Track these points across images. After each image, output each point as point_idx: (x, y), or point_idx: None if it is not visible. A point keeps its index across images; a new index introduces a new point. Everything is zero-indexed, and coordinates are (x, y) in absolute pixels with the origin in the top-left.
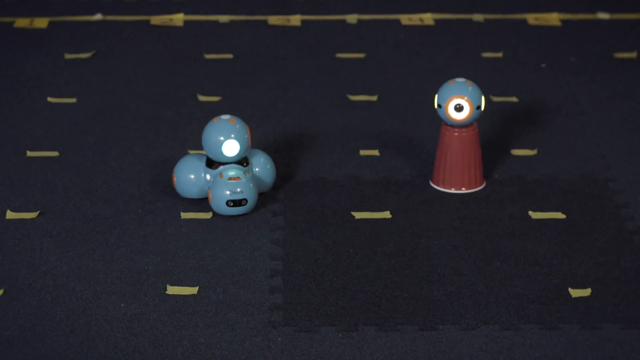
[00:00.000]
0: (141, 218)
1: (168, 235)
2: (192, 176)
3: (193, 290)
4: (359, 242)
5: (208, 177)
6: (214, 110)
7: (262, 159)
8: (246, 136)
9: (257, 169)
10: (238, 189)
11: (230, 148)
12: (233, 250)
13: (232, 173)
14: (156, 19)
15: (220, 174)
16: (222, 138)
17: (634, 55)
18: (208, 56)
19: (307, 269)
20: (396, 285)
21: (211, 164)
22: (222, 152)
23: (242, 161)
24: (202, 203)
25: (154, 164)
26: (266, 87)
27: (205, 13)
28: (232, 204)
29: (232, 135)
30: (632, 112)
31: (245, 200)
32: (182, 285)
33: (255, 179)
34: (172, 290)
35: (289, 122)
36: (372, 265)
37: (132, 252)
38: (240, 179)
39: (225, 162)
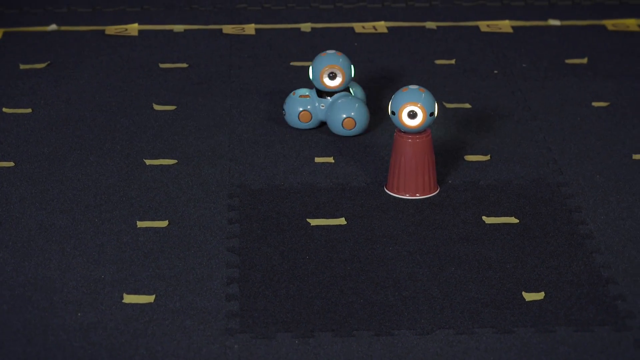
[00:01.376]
0: (97, 227)
1: (124, 244)
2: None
3: (149, 298)
4: (315, 249)
5: (322, 106)
6: (169, 120)
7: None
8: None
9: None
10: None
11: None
12: (189, 258)
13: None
14: (111, 29)
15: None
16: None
17: (584, 61)
18: (163, 65)
19: (263, 276)
20: (352, 291)
21: (321, 93)
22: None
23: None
24: (159, 210)
25: (110, 173)
26: (221, 95)
27: (160, 22)
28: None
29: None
30: (583, 117)
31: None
32: (139, 294)
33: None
34: (128, 298)
35: (243, 130)
36: (328, 271)
37: (89, 262)
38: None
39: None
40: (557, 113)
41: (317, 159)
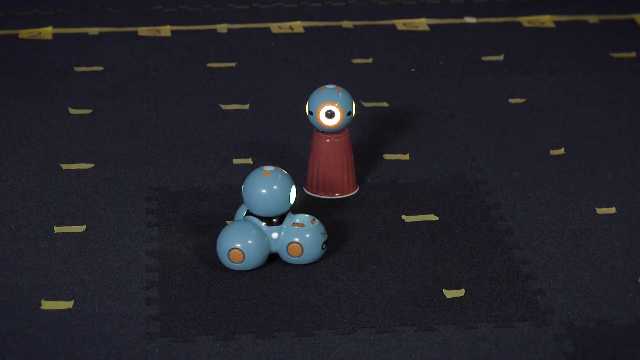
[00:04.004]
0: (14, 233)
1: (42, 250)
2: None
3: (68, 304)
4: None
5: (275, 235)
6: (85, 124)
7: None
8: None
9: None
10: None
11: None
12: (108, 262)
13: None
14: (24, 33)
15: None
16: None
17: (500, 57)
18: (78, 69)
19: (183, 279)
20: (272, 292)
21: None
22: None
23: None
24: (76, 215)
25: (25, 179)
26: (138, 98)
27: (75, 25)
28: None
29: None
30: (500, 114)
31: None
32: (57, 300)
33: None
34: (46, 305)
35: (161, 133)
36: (248, 273)
37: (5, 268)
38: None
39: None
40: (475, 110)
41: (236, 161)
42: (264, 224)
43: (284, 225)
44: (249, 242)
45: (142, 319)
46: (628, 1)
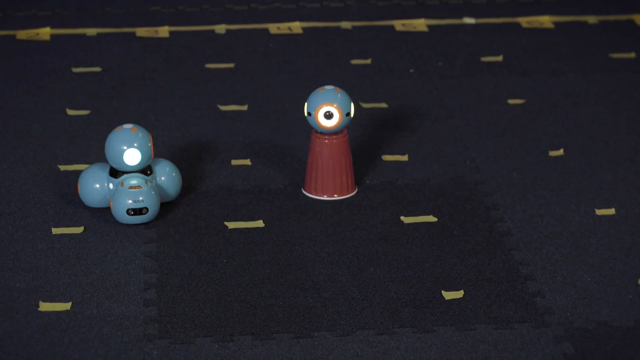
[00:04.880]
0: (11, 235)
1: (39, 252)
2: (97, 185)
3: (66, 306)
4: (233, 252)
5: (111, 186)
6: (83, 125)
7: (167, 168)
8: (149, 145)
9: (162, 178)
10: (140, 198)
11: (132, 157)
12: (106, 264)
13: (133, 182)
14: (22, 34)
15: (122, 183)
16: (124, 147)
17: (499, 58)
18: (76, 70)
19: (181, 281)
20: (271, 293)
21: (115, 173)
22: (124, 161)
23: (145, 170)
24: (74, 217)
25: (23, 180)
26: (135, 99)
27: (72, 26)
28: (132, 213)
29: (135, 144)
30: (499, 115)
31: (146, 209)
32: (55, 302)
33: (159, 188)
34: (44, 306)
35: (159, 134)
36: (247, 274)
37: (3, 270)
38: (141, 187)
39: (128, 171)
40: (474, 111)
41: (234, 162)
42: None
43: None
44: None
45: (140, 320)
46: (627, 2)
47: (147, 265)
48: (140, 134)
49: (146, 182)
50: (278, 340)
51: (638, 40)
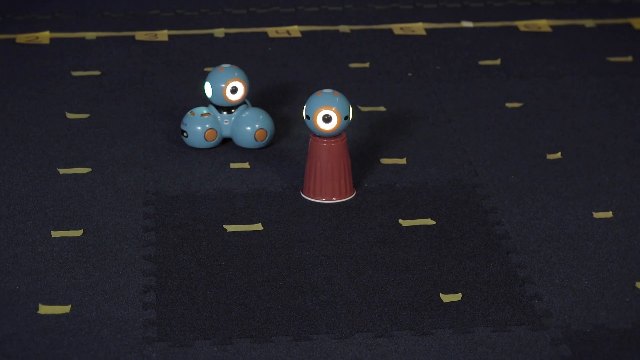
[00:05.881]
0: (11, 238)
1: (39, 255)
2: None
3: (65, 309)
4: (232, 255)
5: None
6: (83, 128)
7: (260, 116)
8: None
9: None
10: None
11: (207, 89)
12: (105, 267)
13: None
14: (22, 37)
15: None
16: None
17: (497, 62)
18: (75, 73)
19: (180, 284)
20: (269, 296)
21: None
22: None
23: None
24: (73, 220)
25: (23, 183)
26: (135, 103)
27: (72, 30)
28: (183, 134)
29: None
30: (497, 118)
31: (186, 132)
32: (54, 304)
33: (234, 125)
34: (44, 309)
35: (158, 137)
36: (245, 277)
37: (3, 273)
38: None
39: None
40: (472, 114)
41: (233, 165)
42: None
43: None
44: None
45: (139, 323)
46: (624, 5)
47: (146, 268)
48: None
49: (208, 114)
50: (276, 343)
51: (635, 43)
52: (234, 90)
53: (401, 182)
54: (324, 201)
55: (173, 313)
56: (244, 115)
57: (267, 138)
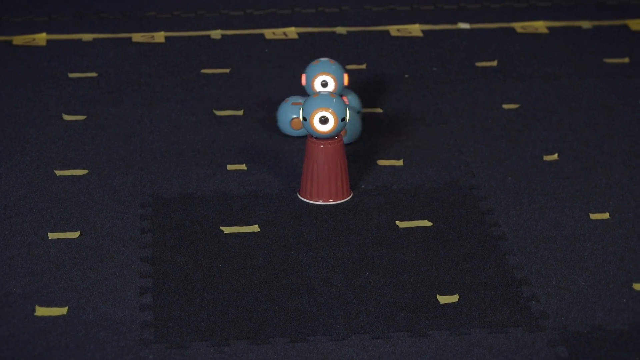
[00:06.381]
0: (8, 240)
1: (35, 257)
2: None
3: (62, 310)
4: (229, 257)
5: None
6: (79, 130)
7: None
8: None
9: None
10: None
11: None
12: (102, 269)
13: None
14: (19, 39)
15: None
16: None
17: (494, 63)
18: (72, 75)
19: (177, 285)
20: (266, 298)
21: None
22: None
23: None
24: (70, 221)
25: (19, 185)
26: (132, 104)
27: (69, 32)
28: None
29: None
30: (494, 120)
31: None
32: (51, 306)
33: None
34: (40, 311)
35: (155, 139)
36: (242, 279)
37: (0, 275)
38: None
39: None
40: (468, 116)
41: (230, 167)
42: None
43: None
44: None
45: (136, 325)
46: (621, 7)
47: (143, 270)
48: (334, 67)
49: (299, 103)
50: (274, 345)
51: (632, 45)
52: (324, 84)
53: (398, 183)
54: (321, 203)
55: (170, 315)
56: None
57: (345, 135)
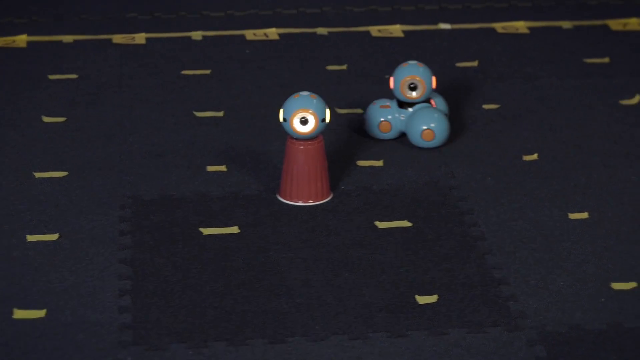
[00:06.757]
0: None
1: (14, 259)
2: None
3: (40, 313)
4: (208, 258)
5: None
6: (59, 132)
7: (435, 114)
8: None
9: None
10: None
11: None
12: (81, 271)
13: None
14: None
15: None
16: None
17: (475, 63)
18: (52, 77)
19: (156, 287)
20: (245, 299)
21: (402, 104)
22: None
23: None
24: (49, 224)
25: None
26: (111, 106)
27: (49, 33)
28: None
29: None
30: (474, 120)
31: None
32: (29, 309)
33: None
34: (18, 314)
35: (134, 141)
36: (221, 280)
37: None
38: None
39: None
40: (448, 116)
41: (209, 168)
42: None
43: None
44: None
45: (114, 327)
46: (601, 7)
47: (122, 272)
48: (422, 69)
49: (387, 106)
50: (252, 346)
51: (612, 45)
52: (413, 88)
53: (378, 184)
54: (300, 204)
55: (149, 317)
56: (418, 113)
57: (434, 139)
